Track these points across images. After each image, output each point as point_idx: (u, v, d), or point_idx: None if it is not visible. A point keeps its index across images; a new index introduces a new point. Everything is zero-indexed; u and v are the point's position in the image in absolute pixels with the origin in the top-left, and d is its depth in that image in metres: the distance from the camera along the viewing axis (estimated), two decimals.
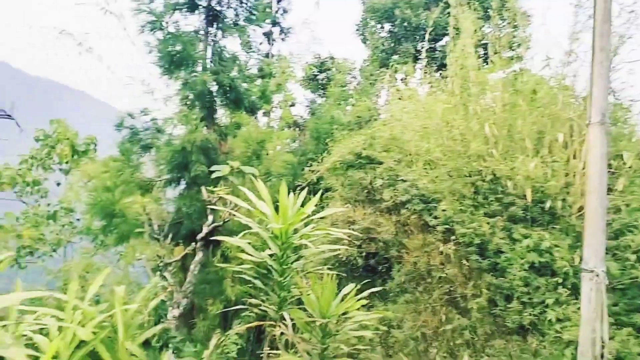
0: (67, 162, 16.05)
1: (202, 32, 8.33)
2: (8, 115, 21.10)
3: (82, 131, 16.62)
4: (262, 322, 3.85)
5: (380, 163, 6.20)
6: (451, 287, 4.74)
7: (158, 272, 6.89)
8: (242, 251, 3.79)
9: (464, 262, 4.70)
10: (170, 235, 7.35)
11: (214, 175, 6.22)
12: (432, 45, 13.84)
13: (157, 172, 8.37)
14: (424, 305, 4.84)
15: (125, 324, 3.85)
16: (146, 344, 4.64)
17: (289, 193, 3.93)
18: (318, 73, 14.89)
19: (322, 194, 6.48)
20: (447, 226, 4.95)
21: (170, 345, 4.79)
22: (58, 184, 16.53)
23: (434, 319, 4.65)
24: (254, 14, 8.59)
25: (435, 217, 5.13)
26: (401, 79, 10.02)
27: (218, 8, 8.32)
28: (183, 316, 6.93)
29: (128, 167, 8.33)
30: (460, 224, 4.73)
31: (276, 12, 15.73)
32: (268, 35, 15.75)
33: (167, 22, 7.78)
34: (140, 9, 7.62)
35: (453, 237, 4.84)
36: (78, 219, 14.52)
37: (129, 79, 8.75)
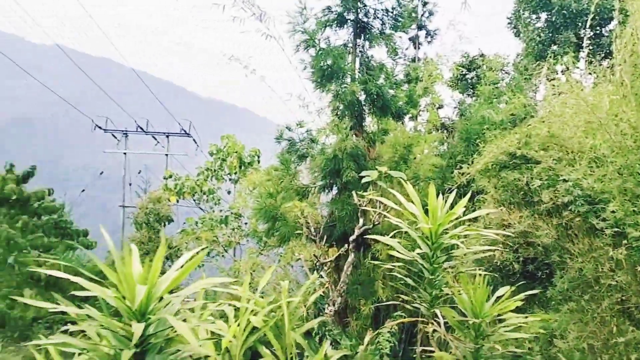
0: (235, 173, 18.07)
1: (350, 44, 8.78)
2: (187, 134, 24.47)
3: (247, 144, 18.61)
4: (415, 319, 3.98)
5: (538, 163, 5.85)
6: (623, 296, 4.28)
7: (315, 272, 7.44)
8: (392, 249, 3.97)
9: (638, 268, 4.21)
10: (325, 237, 7.90)
11: (363, 181, 6.56)
12: (597, 32, 12.51)
13: (312, 179, 9.03)
14: (591, 314, 4.44)
15: (289, 315, 4.31)
16: (307, 334, 5.10)
17: (437, 195, 4.01)
18: (467, 72, 14.48)
19: (473, 197, 6.33)
20: (617, 229, 4.49)
21: (328, 336, 5.17)
22: (228, 192, 18.70)
23: (603, 330, 4.25)
24: (399, 21, 8.79)
25: (604, 220, 4.69)
26: (561, 71, 9.28)
27: (365, 20, 8.69)
28: (337, 314, 7.36)
29: (287, 175, 9.14)
30: (633, 226, 4.26)
31: (422, 15, 15.71)
32: (414, 39, 15.80)
33: (319, 39, 8.39)
34: (295, 30, 8.35)
35: (625, 241, 4.37)
36: (245, 223, 16.21)
37: (287, 95, 9.65)
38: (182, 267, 2.78)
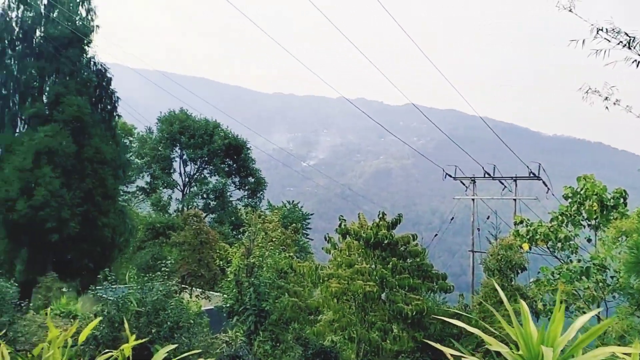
0: (596, 218, 16.08)
1: None
2: (536, 177, 23.42)
3: (607, 184, 16.35)
4: None
5: None
6: None
7: None
8: None
9: None
10: None
11: None
12: None
13: None
14: None
15: None
16: None
17: None
18: None
19: None
20: None
21: None
22: (588, 240, 16.71)
23: None
24: None
25: None
26: None
27: None
28: None
29: None
30: None
31: None
32: None
33: None
34: None
35: None
36: (612, 277, 14.13)
37: None
38: (585, 329, 2.67)
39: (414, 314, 14.43)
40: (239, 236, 45.46)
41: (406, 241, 15.22)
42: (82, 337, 5.74)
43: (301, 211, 50.88)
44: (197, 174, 49.80)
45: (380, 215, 15.38)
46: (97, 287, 25.09)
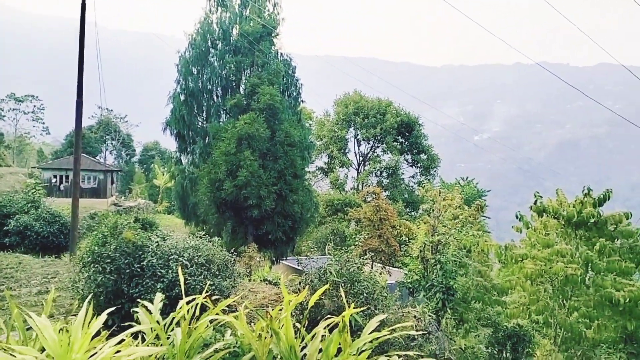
0: None
1: None
2: None
3: None
4: None
5: None
6: None
7: None
8: None
9: None
10: None
11: None
12: None
13: None
14: None
15: None
16: None
17: None
18: None
19: None
20: None
21: None
22: None
23: None
24: None
25: None
26: None
27: None
28: None
29: None
30: None
31: None
32: None
33: None
34: None
35: None
36: None
37: None
38: None
39: (627, 301, 12.73)
40: (412, 213, 45.57)
41: (617, 220, 13.39)
42: (311, 302, 6.41)
43: (476, 188, 48.67)
44: (371, 152, 51.05)
45: (585, 192, 13.77)
46: (287, 257, 27.72)
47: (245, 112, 23.97)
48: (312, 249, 34.11)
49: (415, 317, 15.08)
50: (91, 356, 4.11)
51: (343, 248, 13.00)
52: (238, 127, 22.99)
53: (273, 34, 25.37)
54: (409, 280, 16.85)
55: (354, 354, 5.36)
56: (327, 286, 7.06)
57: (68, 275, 11.49)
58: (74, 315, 6.53)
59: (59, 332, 4.47)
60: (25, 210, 16.63)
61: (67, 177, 39.77)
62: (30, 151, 65.82)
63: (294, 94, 26.72)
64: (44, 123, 63.66)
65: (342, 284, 11.92)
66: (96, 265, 8.69)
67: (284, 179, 23.99)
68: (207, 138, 26.15)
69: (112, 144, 65.86)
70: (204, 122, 26.77)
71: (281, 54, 26.15)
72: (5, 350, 4.24)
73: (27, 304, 10.20)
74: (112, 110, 67.22)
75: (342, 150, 49.77)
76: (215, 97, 26.74)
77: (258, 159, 23.24)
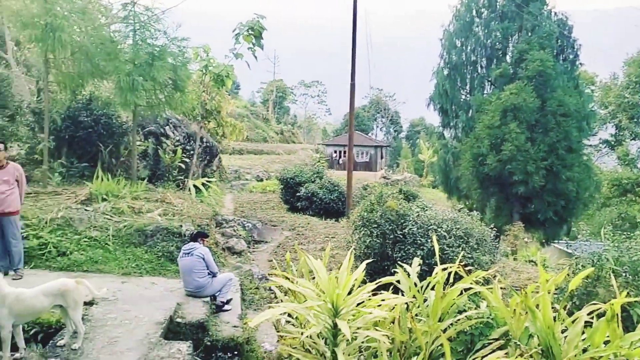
0: None
1: None
2: None
3: None
4: None
5: None
6: None
7: None
8: None
9: None
10: None
11: None
12: None
13: None
14: None
15: None
16: None
17: None
18: None
19: None
20: None
21: None
22: None
23: None
24: None
25: None
26: None
27: None
28: None
29: None
30: None
31: None
32: None
33: None
34: None
35: None
36: None
37: None
38: None
39: None
40: None
41: None
42: (572, 285, 5.92)
43: None
44: None
45: None
46: (560, 240, 25.15)
47: (511, 81, 22.57)
48: (593, 234, 30.10)
49: None
50: (349, 293, 5.15)
51: (625, 233, 11.17)
52: (503, 98, 21.84)
53: None
54: None
55: (626, 347, 4.77)
56: (591, 269, 6.35)
57: (344, 236, 13.27)
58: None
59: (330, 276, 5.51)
60: (312, 179, 19.70)
61: (344, 152, 45.16)
62: (316, 130, 76.74)
63: (570, 57, 23.70)
64: (326, 105, 73.30)
65: (623, 274, 10.34)
66: (365, 229, 9.82)
67: (556, 153, 21.75)
68: (470, 111, 25.74)
69: (382, 121, 71.15)
70: (467, 95, 26.37)
71: (554, 13, 23.43)
72: (292, 282, 5.76)
73: (313, 257, 12.31)
74: (381, 89, 72.38)
75: (634, 120, 41.56)
76: (479, 69, 25.97)
77: (525, 132, 21.67)
